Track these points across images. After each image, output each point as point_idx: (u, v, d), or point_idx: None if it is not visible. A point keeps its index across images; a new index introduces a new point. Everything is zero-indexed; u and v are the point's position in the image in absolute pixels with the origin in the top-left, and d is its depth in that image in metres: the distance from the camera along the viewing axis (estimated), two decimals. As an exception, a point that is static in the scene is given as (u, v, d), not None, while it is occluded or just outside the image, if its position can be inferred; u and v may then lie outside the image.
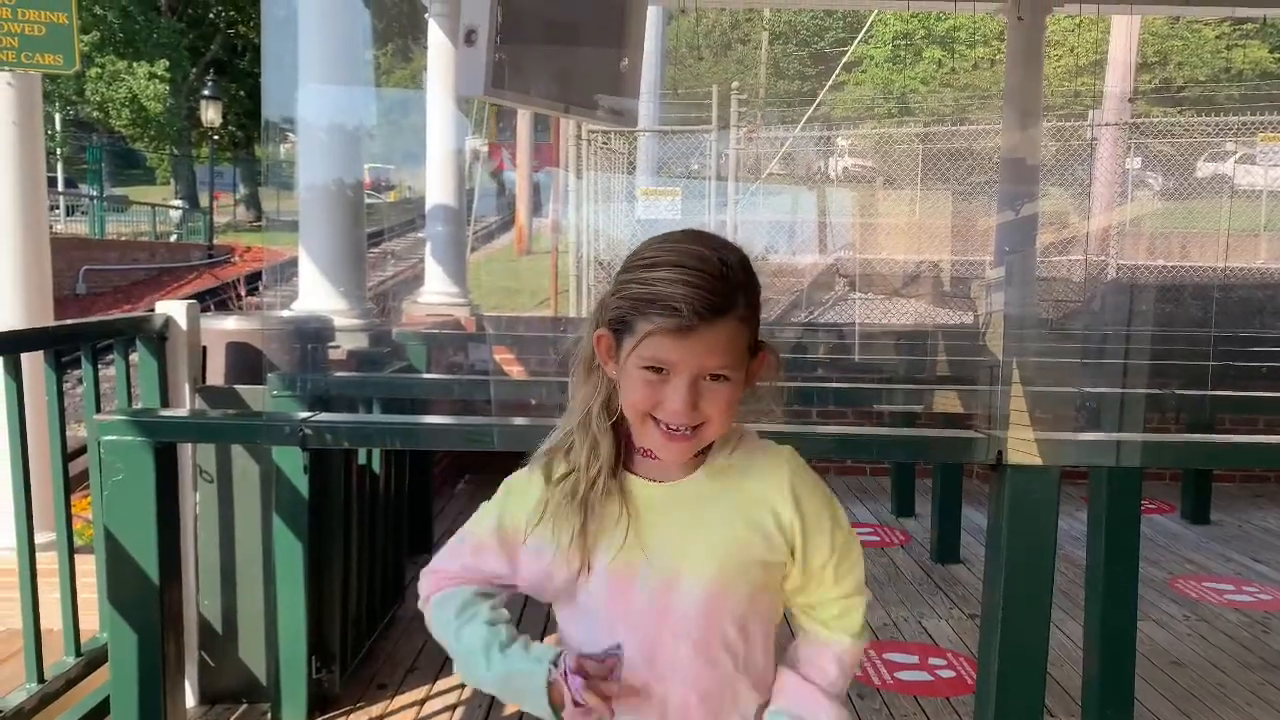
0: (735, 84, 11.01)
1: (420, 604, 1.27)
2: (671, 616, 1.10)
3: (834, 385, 3.53)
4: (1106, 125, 10.95)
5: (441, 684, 2.93)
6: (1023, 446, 1.90)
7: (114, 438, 1.98)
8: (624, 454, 1.13)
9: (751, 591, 1.12)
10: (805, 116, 13.16)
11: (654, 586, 1.10)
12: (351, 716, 2.72)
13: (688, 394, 1.03)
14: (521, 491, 1.18)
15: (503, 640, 1.14)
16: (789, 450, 1.17)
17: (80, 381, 3.61)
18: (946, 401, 3.36)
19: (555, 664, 1.09)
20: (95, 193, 23.73)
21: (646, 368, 1.04)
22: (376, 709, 2.77)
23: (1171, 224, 11.86)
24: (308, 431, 1.98)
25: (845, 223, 12.61)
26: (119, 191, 28.11)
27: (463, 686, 2.92)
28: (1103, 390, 2.99)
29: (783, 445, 1.17)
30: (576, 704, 1.06)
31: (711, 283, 1.01)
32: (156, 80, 25.01)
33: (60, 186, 23.88)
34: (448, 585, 1.23)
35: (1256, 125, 11.36)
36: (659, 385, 1.04)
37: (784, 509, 1.12)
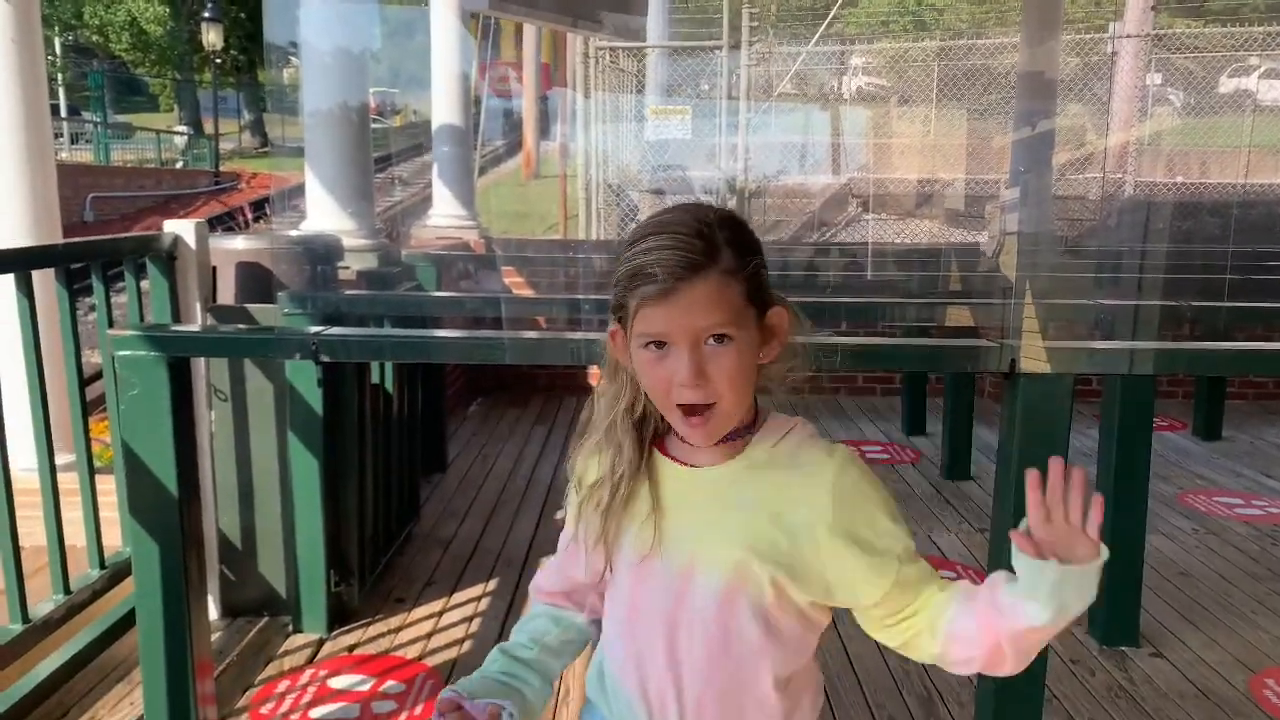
0: (746, -2, 10.72)
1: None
2: (686, 608, 1.05)
3: (845, 301, 3.51)
4: (1128, 37, 10.66)
5: (458, 597, 2.99)
6: (1036, 355, 1.88)
7: (128, 353, 1.98)
8: (658, 434, 1.10)
9: (777, 595, 1.04)
10: (818, 33, 12.83)
11: (672, 575, 1.06)
12: (371, 628, 2.78)
13: (690, 361, 0.98)
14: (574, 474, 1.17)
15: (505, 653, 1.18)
16: (842, 452, 1.06)
17: (92, 309, 3.63)
18: (959, 316, 3.34)
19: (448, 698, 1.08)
20: (99, 119, 23.49)
21: (646, 345, 1.01)
22: (395, 620, 2.83)
23: (1191, 141, 11.62)
24: (320, 345, 1.98)
25: (859, 143, 12.42)
26: (122, 118, 27.82)
27: (479, 599, 2.98)
28: (1117, 303, 2.97)
29: (838, 444, 1.07)
30: None
31: (686, 241, 0.98)
32: (155, 2, 24.55)
33: (63, 114, 23.63)
34: (542, 598, 1.24)
35: (1283, 36, 11.04)
36: (664, 361, 1.00)
37: (822, 527, 1.02)
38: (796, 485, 1.04)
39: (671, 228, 1.00)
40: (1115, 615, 2.70)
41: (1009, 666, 1.03)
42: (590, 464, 1.13)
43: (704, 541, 1.05)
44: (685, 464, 1.08)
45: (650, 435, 1.10)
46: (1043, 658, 2.05)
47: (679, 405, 1.01)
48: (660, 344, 1.00)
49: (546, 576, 1.24)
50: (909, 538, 1.05)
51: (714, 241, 1.00)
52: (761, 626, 1.05)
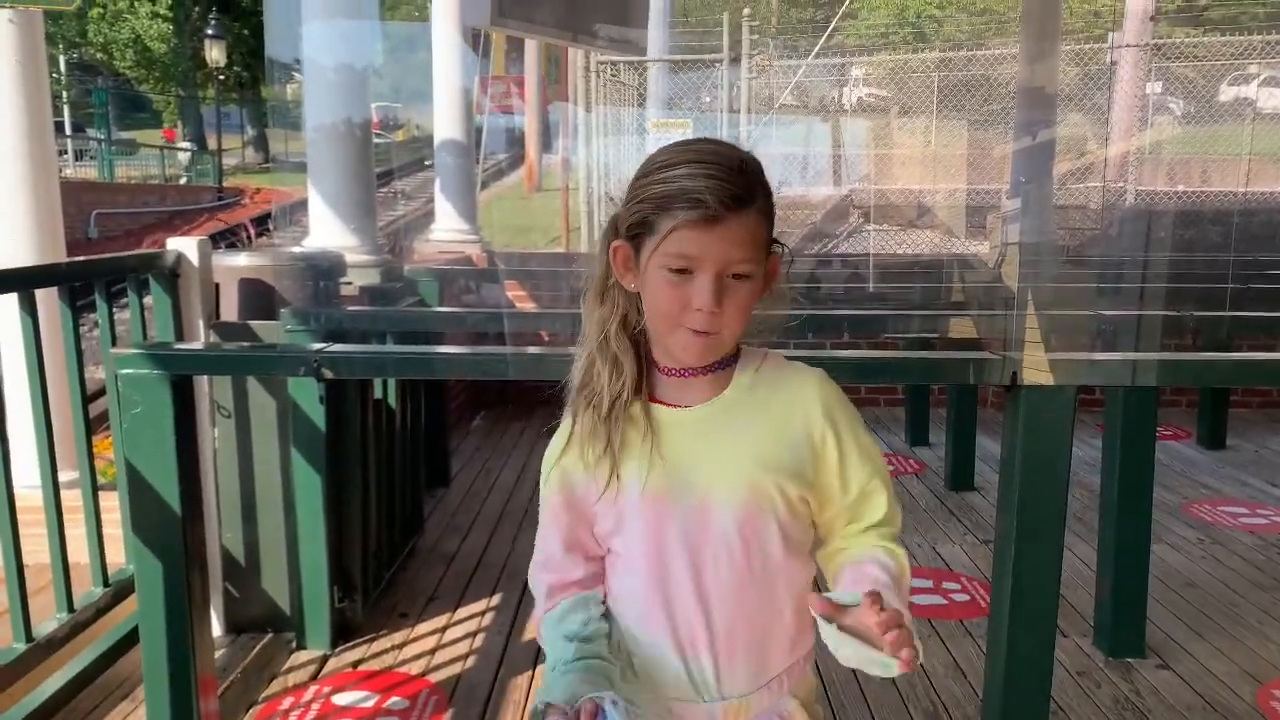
0: (747, 11, 10.75)
1: (536, 610, 1.21)
2: (710, 539, 1.09)
3: (847, 313, 3.51)
4: (1127, 47, 10.68)
5: (462, 612, 2.99)
6: (1038, 367, 1.88)
7: (131, 371, 1.99)
8: (646, 380, 1.11)
9: (789, 508, 1.10)
10: (818, 45, 12.87)
11: (690, 508, 1.08)
12: (374, 644, 2.78)
13: (714, 288, 1.01)
14: (560, 432, 1.16)
15: (564, 658, 1.09)
16: (820, 371, 1.15)
17: (95, 326, 3.63)
18: (962, 327, 3.34)
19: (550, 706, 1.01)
20: (102, 136, 23.59)
21: (671, 269, 1.02)
22: (399, 636, 2.83)
23: (1192, 149, 11.63)
24: (323, 362, 1.99)
25: (860, 154, 12.44)
26: (126, 135, 27.95)
27: (483, 614, 2.98)
28: (1119, 313, 2.96)
29: (814, 367, 1.15)
30: None
31: (733, 175, 1.00)
32: (159, 19, 24.71)
33: (67, 131, 23.76)
34: (556, 598, 1.17)
35: (1282, 45, 11.06)
36: (684, 285, 1.02)
37: (816, 426, 1.10)
38: (785, 400, 1.11)
39: (715, 157, 1.02)
40: (1121, 627, 2.69)
41: None
42: (583, 396, 1.12)
43: (714, 471, 1.09)
44: (676, 406, 1.11)
45: (647, 355, 1.11)
46: (1048, 670, 2.05)
47: (689, 325, 1.03)
48: (684, 269, 1.02)
49: (542, 574, 1.19)
50: (883, 464, 1.15)
51: (752, 178, 1.03)
52: (781, 541, 1.11)
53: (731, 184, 1.00)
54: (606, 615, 1.16)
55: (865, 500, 1.13)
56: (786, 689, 1.15)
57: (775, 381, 1.12)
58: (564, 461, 1.14)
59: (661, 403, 1.11)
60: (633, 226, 1.05)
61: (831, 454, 1.10)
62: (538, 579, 1.20)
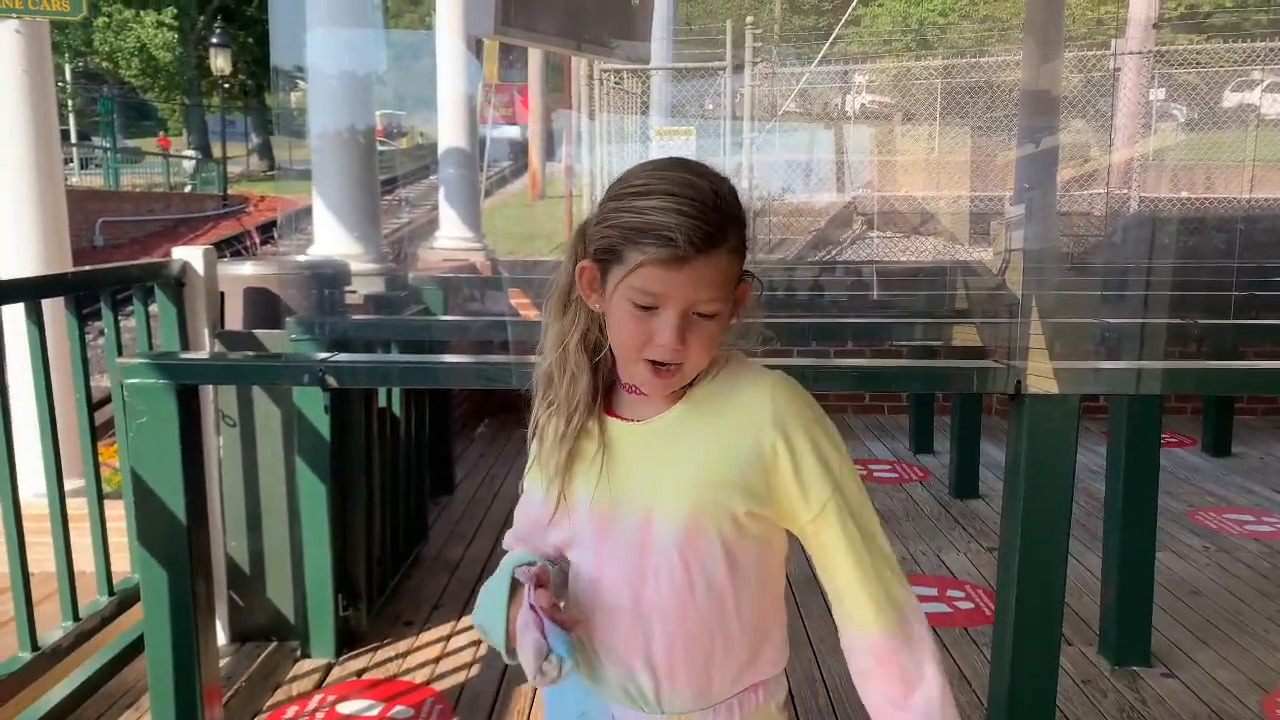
0: (750, 19, 10.78)
1: None
2: (651, 555, 1.07)
3: (852, 320, 3.51)
4: (1130, 54, 10.69)
5: (466, 620, 2.99)
6: (1042, 375, 1.88)
7: (137, 381, 1.99)
8: (604, 393, 1.10)
9: (737, 530, 1.06)
10: (821, 53, 12.90)
11: (632, 525, 1.07)
12: (379, 652, 2.78)
13: (677, 326, 0.99)
14: (530, 454, 1.18)
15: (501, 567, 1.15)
16: (777, 374, 1.09)
17: (100, 334, 3.65)
18: (965, 336, 3.34)
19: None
20: (108, 144, 23.68)
21: (636, 303, 1.00)
22: (403, 644, 2.83)
23: (1196, 155, 11.63)
24: (328, 371, 1.99)
25: (863, 161, 12.45)
26: (131, 143, 28.05)
27: (487, 622, 2.97)
28: (1123, 321, 2.96)
29: (773, 369, 1.10)
30: (533, 608, 1.03)
31: (706, 213, 0.97)
32: (165, 28, 24.82)
33: (73, 139, 23.84)
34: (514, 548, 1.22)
35: (1285, 51, 11.06)
36: (648, 319, 1.00)
37: (765, 439, 1.04)
38: (736, 412, 1.07)
39: (689, 191, 0.98)
40: (1126, 635, 2.68)
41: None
42: (543, 402, 1.12)
43: (658, 490, 1.07)
44: (629, 420, 1.09)
45: (604, 371, 1.10)
46: (1053, 678, 2.04)
47: (649, 360, 1.02)
48: (649, 305, 1.00)
49: (516, 525, 1.25)
50: (846, 463, 1.08)
51: (726, 215, 1.00)
52: (725, 563, 1.07)
53: (704, 222, 0.97)
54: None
55: (831, 520, 1.06)
56: (737, 717, 1.12)
57: (728, 390, 1.08)
58: (531, 473, 1.17)
59: (617, 416, 1.10)
60: (600, 251, 1.02)
61: (785, 464, 1.05)
62: (507, 541, 1.24)
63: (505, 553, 1.22)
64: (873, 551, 1.07)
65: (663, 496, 1.06)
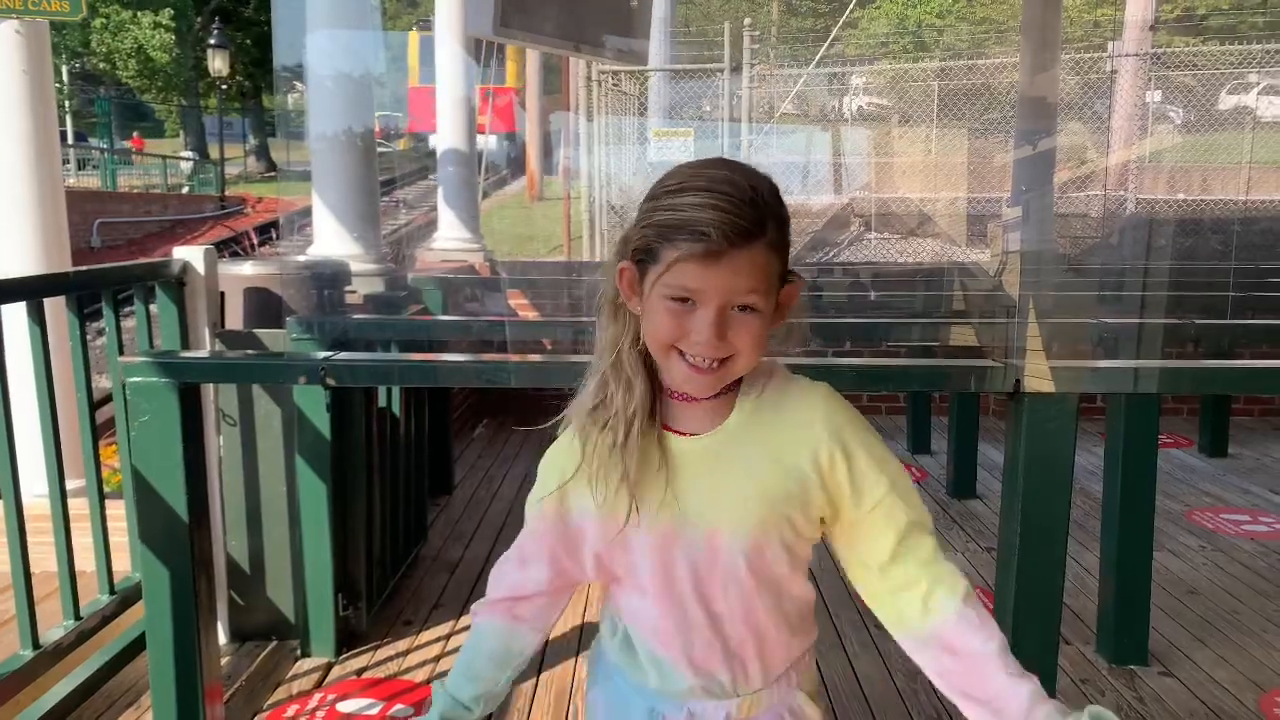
0: (747, 20, 10.80)
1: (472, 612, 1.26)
2: (720, 569, 1.09)
3: (849, 320, 3.52)
4: (1127, 56, 10.72)
5: (466, 619, 2.99)
6: (1040, 374, 1.89)
7: (139, 379, 2.00)
8: (657, 403, 1.09)
9: (796, 535, 1.09)
10: (819, 55, 12.92)
11: (699, 541, 1.08)
12: (379, 651, 2.78)
13: (715, 324, 0.98)
14: (564, 450, 1.13)
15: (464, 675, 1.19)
16: (825, 386, 1.11)
17: (99, 334, 3.65)
18: (963, 337, 3.35)
19: None
20: (105, 145, 23.66)
21: (672, 298, 0.99)
22: (403, 644, 2.83)
23: (1192, 157, 11.66)
24: (328, 370, 2.00)
25: (860, 162, 12.47)
26: (128, 144, 28.02)
27: (486, 622, 2.98)
28: (1120, 320, 2.98)
29: (818, 381, 1.12)
30: None
31: (741, 207, 0.97)
32: (162, 30, 24.80)
33: (70, 140, 23.82)
34: (490, 613, 1.21)
35: (1281, 54, 11.10)
36: (685, 315, 0.99)
37: (823, 448, 1.07)
38: (790, 424, 1.08)
39: (725, 185, 0.98)
40: (1124, 634, 2.69)
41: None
42: (596, 413, 1.09)
43: (720, 507, 1.07)
44: (682, 433, 1.09)
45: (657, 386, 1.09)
46: (1051, 678, 2.05)
47: (688, 359, 1.01)
48: (685, 299, 0.99)
49: (496, 587, 1.22)
50: (900, 469, 1.11)
51: (763, 211, 0.99)
52: (788, 561, 1.10)
53: (739, 217, 0.97)
54: (508, 665, 1.21)
55: (885, 513, 1.08)
56: (795, 684, 1.18)
57: (779, 404, 1.09)
58: (570, 487, 1.11)
59: (671, 430, 1.09)
60: (638, 251, 1.02)
61: (841, 472, 1.07)
62: (502, 572, 1.22)
63: (492, 585, 1.23)
64: (930, 539, 1.10)
65: (727, 513, 1.07)
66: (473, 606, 1.24)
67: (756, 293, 0.99)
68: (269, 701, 2.51)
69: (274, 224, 18.81)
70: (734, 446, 1.07)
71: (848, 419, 1.09)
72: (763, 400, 1.08)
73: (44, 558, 2.30)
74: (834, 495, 1.08)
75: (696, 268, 0.97)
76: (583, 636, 2.80)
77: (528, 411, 6.00)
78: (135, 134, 27.04)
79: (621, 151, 9.69)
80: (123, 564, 2.66)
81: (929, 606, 1.07)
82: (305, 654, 2.73)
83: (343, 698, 2.52)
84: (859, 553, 1.11)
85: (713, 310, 0.98)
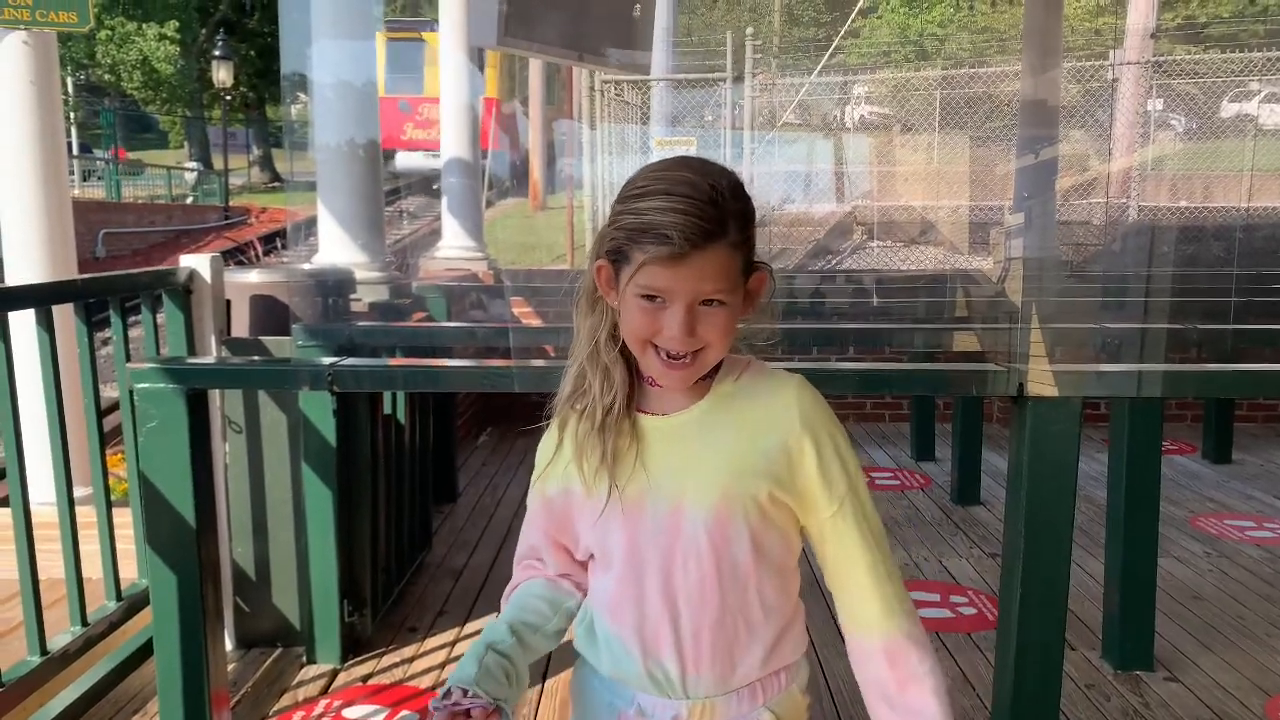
0: (749, 30, 10.83)
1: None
2: (680, 540, 1.11)
3: (853, 327, 3.53)
4: (1128, 64, 10.74)
5: (471, 626, 3.00)
6: (1044, 379, 1.90)
7: (146, 385, 2.01)
8: (634, 392, 1.14)
9: (761, 516, 1.11)
10: (821, 64, 12.95)
11: (662, 514, 1.11)
12: (384, 658, 2.79)
13: (684, 320, 1.03)
14: (546, 438, 1.20)
15: (494, 639, 1.15)
16: (798, 377, 1.15)
17: (106, 343, 3.66)
18: (966, 342, 3.36)
19: (446, 695, 1.07)
20: (109, 156, 23.74)
21: (643, 296, 1.04)
22: (408, 650, 2.84)
23: (1194, 165, 11.67)
24: (334, 376, 2.01)
25: (862, 171, 12.50)
26: (133, 156, 28.11)
27: (491, 628, 2.98)
28: (1124, 326, 2.98)
29: (792, 373, 1.16)
30: None
31: (702, 208, 1.01)
32: (167, 41, 24.88)
33: (75, 151, 23.90)
34: (522, 575, 1.25)
35: (1283, 61, 11.12)
36: (656, 312, 1.04)
37: (793, 436, 1.10)
38: (762, 408, 1.12)
39: (684, 189, 1.02)
40: (1129, 639, 2.69)
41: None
42: (576, 402, 1.14)
43: (688, 478, 1.11)
44: (657, 414, 1.13)
45: (633, 363, 1.12)
46: (1057, 682, 2.05)
47: (662, 352, 1.06)
48: (655, 297, 1.04)
49: (527, 562, 1.25)
50: (858, 468, 1.14)
51: (725, 211, 1.04)
52: (751, 548, 1.11)
53: (700, 218, 1.01)
54: (559, 607, 1.21)
55: (850, 514, 1.11)
56: (761, 700, 1.15)
57: (753, 391, 1.13)
58: (550, 471, 1.18)
59: (644, 411, 1.14)
60: (610, 252, 1.07)
61: (810, 459, 1.10)
62: (515, 570, 1.26)
63: (512, 581, 1.25)
64: (883, 553, 1.14)
65: (692, 485, 1.10)
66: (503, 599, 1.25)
67: (721, 289, 1.04)
68: (275, 708, 2.51)
69: (278, 234, 18.86)
70: (704, 424, 1.12)
71: (819, 411, 1.13)
72: (737, 386, 1.13)
73: (51, 565, 2.30)
74: (804, 485, 1.11)
75: (662, 269, 1.02)
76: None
77: (531, 419, 5.98)
78: (113, 146, 26.88)
79: (624, 160, 9.72)
80: (129, 571, 2.67)
81: (884, 620, 1.12)
82: (311, 661, 2.74)
83: (348, 704, 2.52)
84: (828, 554, 1.14)
85: (681, 308, 1.04)
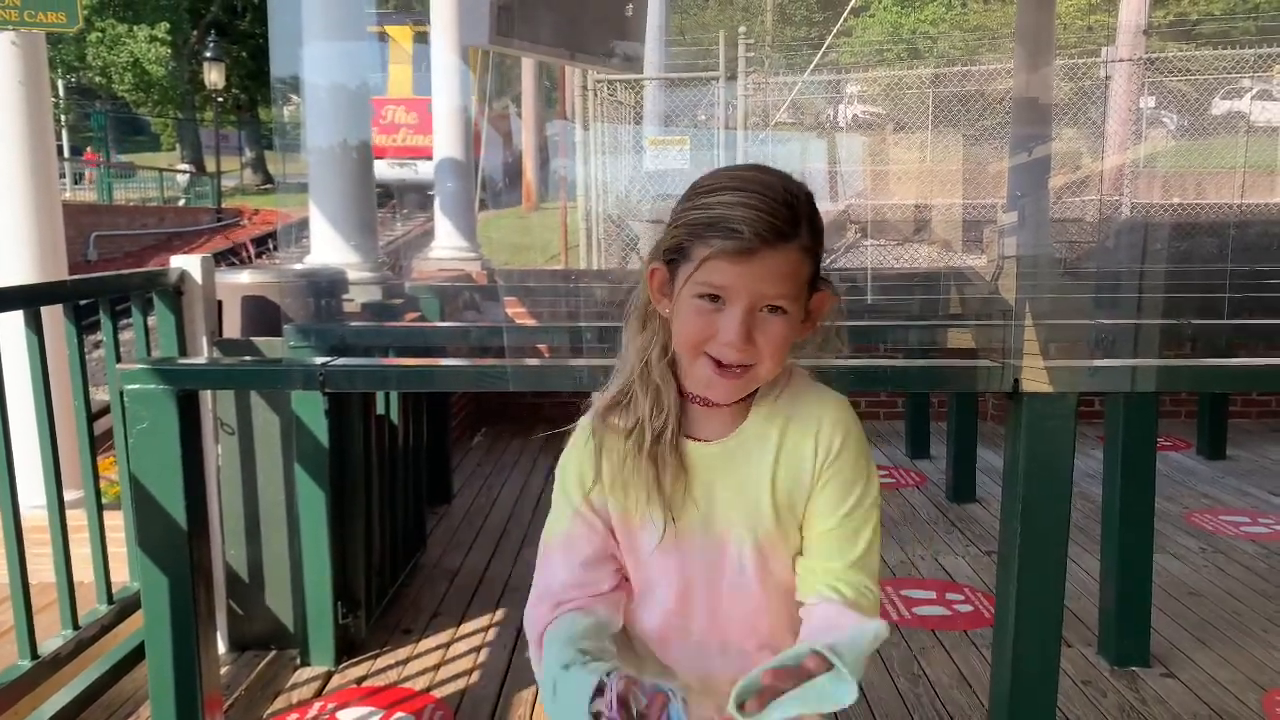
0: (742, 29, 10.84)
1: (531, 652, 1.12)
2: (728, 574, 1.09)
3: (847, 324, 3.51)
4: (1120, 61, 10.77)
5: (466, 627, 2.99)
6: (1038, 375, 1.89)
7: (137, 387, 2.00)
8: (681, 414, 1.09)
9: (799, 534, 1.10)
10: (813, 63, 12.96)
11: (709, 546, 1.08)
12: (379, 660, 2.77)
13: (743, 323, 0.98)
14: (579, 456, 1.11)
15: (575, 657, 1.00)
16: (842, 398, 1.11)
17: (96, 346, 3.64)
18: (961, 339, 3.36)
19: (605, 682, 0.92)
20: (101, 159, 23.67)
21: (702, 295, 0.99)
22: (403, 652, 2.82)
23: (1187, 162, 11.71)
24: (326, 376, 2.00)
25: (856, 170, 12.51)
26: (124, 158, 28.03)
27: (486, 630, 2.97)
28: (1118, 322, 2.98)
29: (837, 392, 1.12)
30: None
31: (775, 207, 0.97)
32: (158, 43, 24.84)
33: (66, 154, 23.82)
34: (557, 613, 1.09)
35: (1274, 58, 11.16)
36: (713, 315, 0.99)
37: (822, 442, 1.07)
38: (800, 429, 1.08)
39: (759, 186, 0.99)
40: (1125, 636, 2.69)
41: None
42: (616, 416, 1.09)
43: (732, 508, 1.08)
44: (699, 439, 1.09)
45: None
46: (1054, 679, 2.05)
47: (714, 360, 1.01)
48: (715, 297, 0.99)
49: (547, 584, 1.13)
50: (876, 484, 1.11)
51: (798, 214, 1.00)
52: (790, 570, 1.10)
53: (772, 216, 0.97)
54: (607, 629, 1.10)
55: (848, 539, 1.08)
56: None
57: (793, 409, 1.08)
58: (594, 491, 1.10)
59: (690, 437, 1.09)
60: (670, 251, 1.02)
61: (829, 479, 1.08)
62: (535, 613, 1.11)
63: (533, 630, 1.12)
64: (872, 560, 1.10)
65: (737, 518, 1.08)
66: (528, 627, 1.13)
67: (785, 296, 0.99)
68: (269, 711, 2.50)
69: (270, 236, 18.82)
70: (746, 451, 1.08)
71: (854, 437, 1.09)
72: (778, 404, 1.08)
73: (42, 568, 2.29)
74: (815, 501, 1.08)
75: (727, 264, 0.97)
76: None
77: (526, 419, 6.00)
78: (88, 149, 26.63)
79: (618, 160, 9.71)
80: (121, 574, 2.65)
81: (836, 592, 1.06)
82: (305, 663, 2.72)
83: (342, 706, 2.51)
84: (814, 543, 1.10)
85: (741, 309, 0.98)
